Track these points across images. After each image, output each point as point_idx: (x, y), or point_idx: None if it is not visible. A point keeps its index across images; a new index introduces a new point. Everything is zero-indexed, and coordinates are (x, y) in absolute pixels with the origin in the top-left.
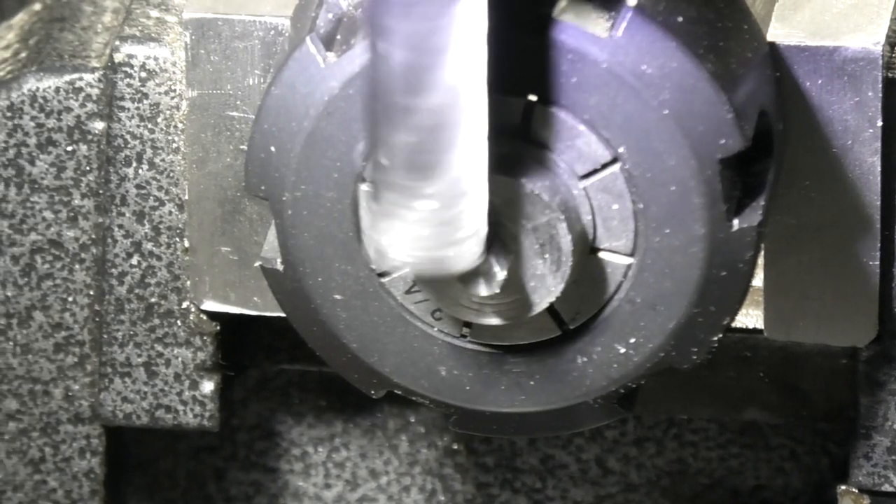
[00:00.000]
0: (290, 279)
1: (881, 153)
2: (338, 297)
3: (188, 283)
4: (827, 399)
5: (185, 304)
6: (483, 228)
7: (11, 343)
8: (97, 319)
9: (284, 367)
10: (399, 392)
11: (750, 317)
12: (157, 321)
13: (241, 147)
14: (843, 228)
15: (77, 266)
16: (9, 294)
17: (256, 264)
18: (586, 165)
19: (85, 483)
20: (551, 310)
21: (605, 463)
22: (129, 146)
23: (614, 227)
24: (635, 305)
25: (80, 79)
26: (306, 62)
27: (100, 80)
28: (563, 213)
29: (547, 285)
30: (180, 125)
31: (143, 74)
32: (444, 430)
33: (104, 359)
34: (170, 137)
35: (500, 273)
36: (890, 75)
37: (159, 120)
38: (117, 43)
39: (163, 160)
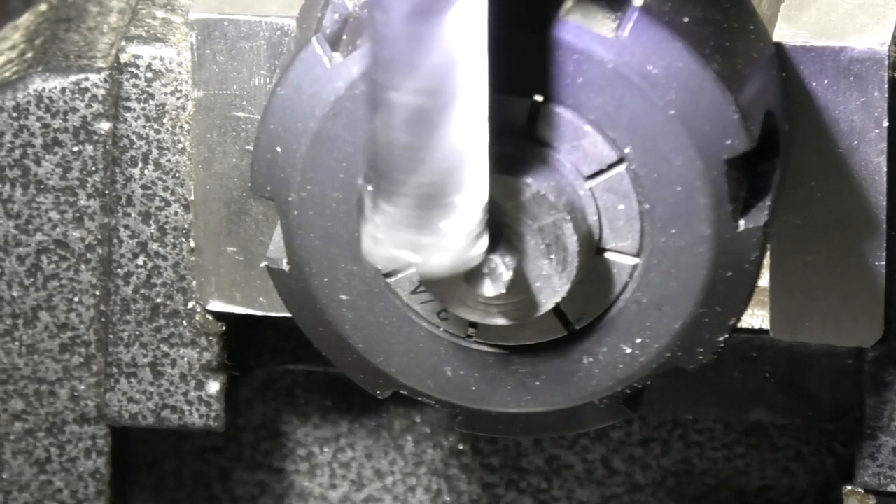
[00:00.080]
0: (295, 279)
1: (887, 153)
2: (343, 297)
3: (194, 283)
4: (833, 399)
5: (190, 305)
6: (482, 228)
7: (17, 343)
8: (103, 320)
9: (290, 367)
10: (405, 392)
11: (756, 317)
12: (162, 321)
13: (247, 147)
14: (849, 229)
15: (83, 266)
16: (15, 294)
17: (262, 265)
18: (592, 166)
19: (90, 483)
20: (557, 310)
21: (611, 463)
22: (134, 146)
23: (620, 227)
24: (641, 306)
25: (86, 79)
26: (312, 63)
27: (106, 81)
28: (569, 214)
29: (553, 285)
30: (186, 125)
31: (149, 75)
32: (449, 431)
33: (110, 359)
34: (176, 138)
35: (506, 273)
36: None
37: (165, 120)
38: (123, 43)
39: (169, 160)
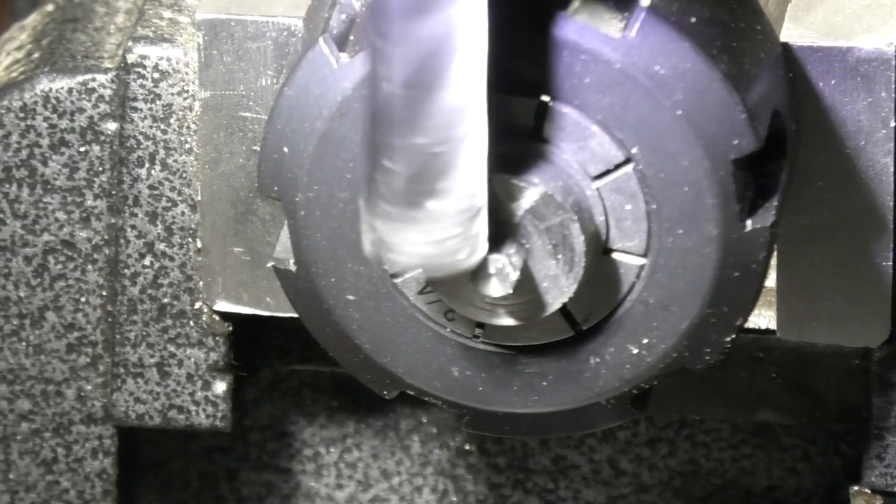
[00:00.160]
0: (302, 280)
1: (894, 154)
2: (350, 297)
3: (201, 283)
4: (839, 400)
5: (197, 305)
6: (484, 228)
7: (24, 343)
8: (110, 320)
9: (296, 367)
10: (411, 392)
11: (763, 317)
12: (169, 322)
13: (254, 148)
14: (856, 229)
15: (90, 266)
16: (21, 294)
17: (269, 265)
18: (599, 166)
19: (97, 483)
20: (564, 310)
21: (618, 463)
22: (141, 147)
23: (627, 227)
24: (648, 306)
25: (93, 79)
26: (319, 63)
27: (112, 81)
28: (576, 214)
29: (560, 286)
30: (193, 126)
31: (156, 75)
32: (456, 431)
33: (117, 359)
34: (182, 138)
35: (513, 274)
36: None
37: (172, 121)
38: (130, 44)
39: (175, 161)
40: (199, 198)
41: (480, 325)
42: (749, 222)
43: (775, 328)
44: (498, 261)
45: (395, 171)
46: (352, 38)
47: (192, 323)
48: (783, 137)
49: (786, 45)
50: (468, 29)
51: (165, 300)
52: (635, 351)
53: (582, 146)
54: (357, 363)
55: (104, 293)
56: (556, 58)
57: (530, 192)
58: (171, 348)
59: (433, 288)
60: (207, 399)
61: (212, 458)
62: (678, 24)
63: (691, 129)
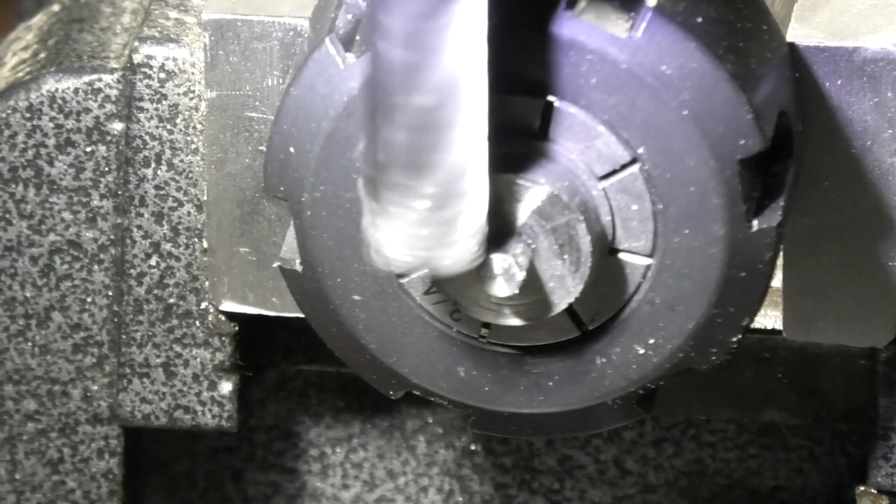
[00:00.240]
0: (308, 280)
1: None
2: (357, 297)
3: (207, 283)
4: (845, 400)
5: (203, 305)
6: (482, 228)
7: (30, 344)
8: (116, 320)
9: (302, 367)
10: (417, 393)
11: (769, 317)
12: (175, 322)
13: (260, 148)
14: (862, 229)
15: (96, 267)
16: (28, 295)
17: (275, 265)
18: (605, 166)
19: (103, 484)
20: (570, 310)
21: (624, 464)
22: (147, 147)
23: (633, 227)
24: (654, 306)
25: (99, 80)
26: (325, 63)
27: (119, 81)
28: (583, 214)
29: (566, 286)
30: (199, 126)
31: (162, 75)
32: (462, 431)
33: (123, 359)
34: (189, 138)
35: (519, 274)
36: None
37: (178, 121)
38: (136, 44)
39: (181, 161)
40: (205, 198)
41: (486, 325)
42: (755, 222)
43: (781, 328)
44: (504, 261)
45: (391, 161)
46: (358, 38)
47: (198, 323)
48: (789, 137)
49: (792, 45)
50: (470, 46)
51: (171, 300)
52: (641, 351)
53: (588, 146)
54: (363, 363)
55: (110, 293)
56: (562, 58)
57: (536, 193)
58: (177, 348)
59: (439, 288)
60: (213, 399)
61: (218, 459)
62: (684, 25)
63: (698, 129)
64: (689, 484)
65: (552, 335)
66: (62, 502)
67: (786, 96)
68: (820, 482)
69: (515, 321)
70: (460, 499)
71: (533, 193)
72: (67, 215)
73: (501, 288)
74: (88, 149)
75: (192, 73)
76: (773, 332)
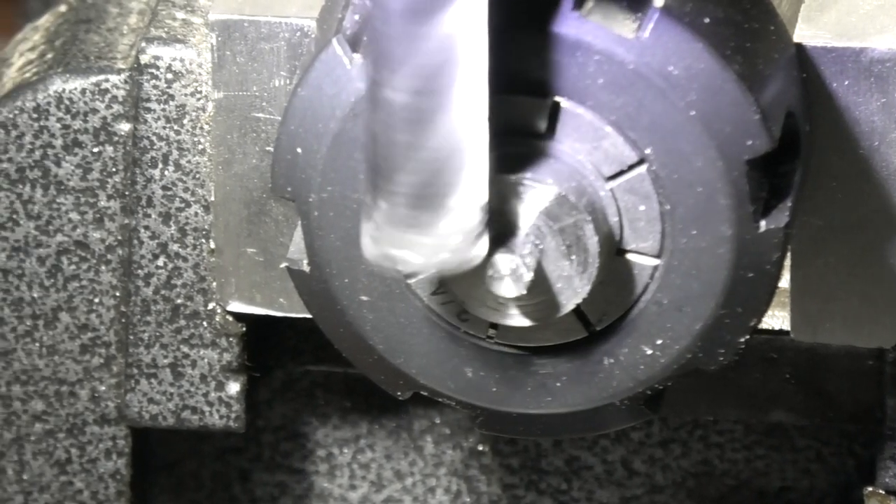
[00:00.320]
0: (316, 280)
1: None
2: (364, 298)
3: (214, 284)
4: (853, 400)
5: (210, 306)
6: (483, 229)
7: (38, 344)
8: (123, 321)
9: (310, 368)
10: (425, 393)
11: (776, 318)
12: (183, 322)
13: (267, 148)
14: (869, 230)
15: (103, 267)
16: (35, 295)
17: (282, 265)
18: (613, 166)
19: (111, 484)
20: (578, 311)
21: (631, 464)
22: (155, 147)
23: (641, 228)
24: (662, 307)
25: (106, 80)
26: (333, 64)
27: (126, 82)
28: (590, 215)
29: (573, 286)
30: (206, 126)
31: (169, 76)
32: (469, 432)
33: (130, 360)
34: (196, 139)
35: (527, 274)
36: None
37: (185, 121)
38: (143, 44)
39: (189, 161)
40: (212, 198)
41: (494, 325)
42: (763, 223)
43: (789, 329)
44: (512, 261)
45: (397, 189)
46: (365, 38)
47: (205, 324)
48: (797, 138)
49: (799, 46)
50: (468, 48)
51: (179, 301)
52: (649, 352)
53: (595, 147)
54: (370, 364)
55: (118, 294)
56: (569, 58)
57: (544, 193)
58: (185, 349)
59: (447, 289)
60: (221, 400)
61: (225, 459)
62: (692, 25)
63: (705, 130)
64: (697, 484)
65: (560, 336)
66: (70, 503)
67: (793, 97)
68: (827, 483)
69: (523, 322)
70: (468, 499)
71: (540, 194)
72: (75, 216)
73: (509, 288)
74: (96, 149)
75: (200, 74)
76: (781, 332)
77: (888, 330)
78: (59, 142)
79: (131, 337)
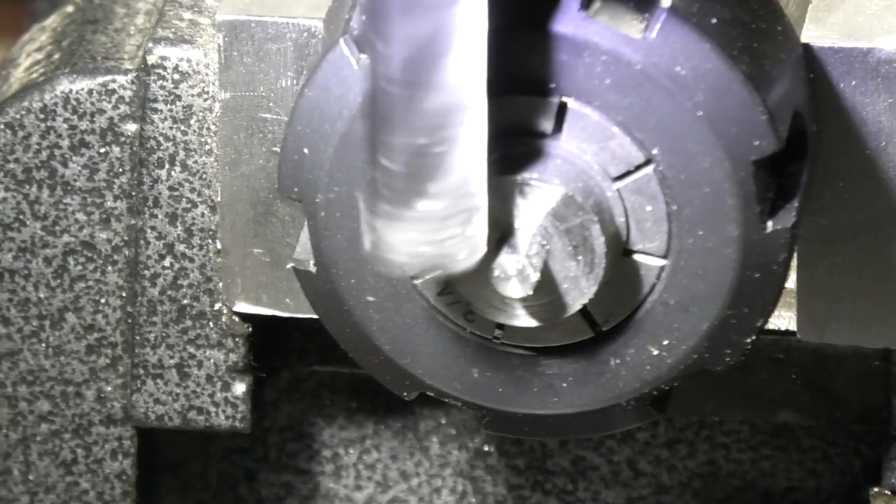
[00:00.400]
0: (322, 281)
1: None
2: (370, 298)
3: (220, 284)
4: (860, 401)
5: (217, 306)
6: (483, 229)
7: (44, 345)
8: (129, 321)
9: (316, 368)
10: (431, 394)
11: (783, 318)
12: (189, 323)
13: (274, 149)
14: (876, 230)
15: (109, 268)
16: (41, 296)
17: (289, 266)
18: (620, 167)
19: (117, 484)
20: (584, 311)
21: (637, 465)
22: (161, 148)
23: (648, 228)
24: (669, 307)
25: (113, 81)
26: (340, 64)
27: (133, 82)
28: (597, 215)
29: (580, 287)
30: (213, 127)
31: (176, 76)
32: (475, 432)
33: (136, 360)
34: (202, 139)
35: (534, 275)
36: None
37: (192, 122)
38: (150, 45)
39: (195, 162)
40: (218, 199)
41: (500, 326)
42: (770, 223)
43: (795, 329)
44: (518, 262)
45: (391, 169)
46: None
47: (211, 324)
48: (804, 138)
49: (806, 46)
50: (465, 28)
51: (185, 301)
52: (655, 352)
53: (602, 147)
54: (377, 364)
55: (124, 294)
56: (576, 59)
57: (551, 193)
58: (191, 349)
59: (453, 289)
60: (227, 400)
61: (231, 460)
62: (699, 25)
63: (712, 130)
64: (703, 485)
65: (566, 336)
66: (75, 503)
67: (800, 97)
68: (834, 483)
69: (529, 322)
70: (473, 500)
71: (547, 194)
72: (81, 216)
73: (515, 289)
74: (102, 150)
75: (206, 75)
76: (787, 333)
77: (895, 330)
78: (65, 142)
79: (137, 337)
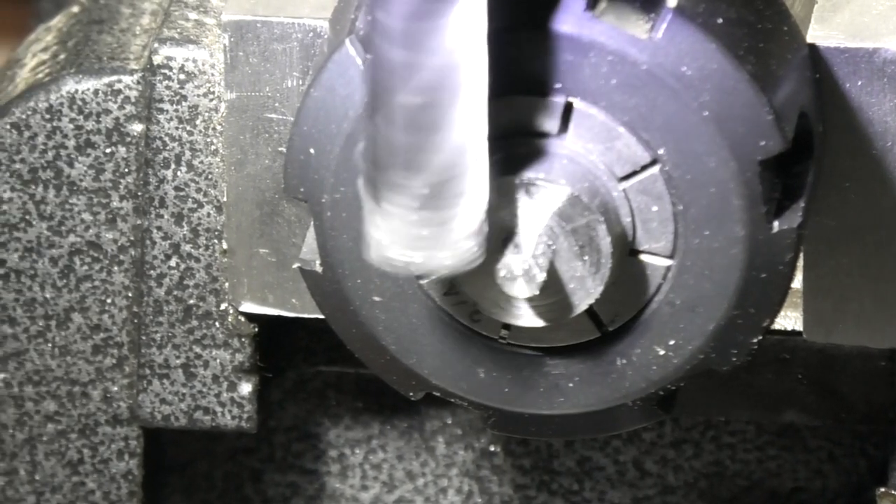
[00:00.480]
0: (328, 281)
1: None
2: (377, 298)
3: (226, 284)
4: (865, 401)
5: (223, 306)
6: (483, 229)
7: (50, 345)
8: (136, 321)
9: (322, 368)
10: (437, 394)
11: (789, 319)
12: (195, 323)
13: (280, 149)
14: (882, 230)
15: (116, 268)
16: (48, 296)
17: (295, 266)
18: (626, 167)
19: (123, 485)
20: (590, 311)
21: (643, 465)
22: (167, 148)
23: (654, 228)
24: (675, 307)
25: (119, 81)
26: (345, 64)
27: (138, 83)
28: (603, 215)
29: (586, 287)
30: (219, 127)
31: (182, 76)
32: (481, 432)
33: (142, 360)
34: (208, 139)
35: (540, 275)
36: None
37: (198, 122)
38: (156, 45)
39: (201, 162)
40: (224, 199)
41: (506, 326)
42: (776, 223)
43: (801, 329)
44: (524, 262)
45: (390, 138)
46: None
47: (217, 324)
48: (810, 138)
49: (812, 46)
50: (467, 67)
51: (191, 301)
52: (662, 352)
53: (608, 147)
54: (383, 364)
55: (130, 294)
56: (582, 59)
57: (557, 194)
58: (197, 349)
59: (459, 289)
60: (233, 400)
61: (237, 460)
62: (705, 26)
63: (718, 131)
64: (709, 485)
65: (572, 336)
66: (82, 503)
67: (806, 97)
68: (839, 483)
69: (535, 322)
70: (479, 500)
71: (553, 194)
72: (87, 216)
73: (521, 289)
74: (108, 150)
75: (212, 75)
76: (793, 333)
77: None
78: (71, 142)
79: (143, 337)
